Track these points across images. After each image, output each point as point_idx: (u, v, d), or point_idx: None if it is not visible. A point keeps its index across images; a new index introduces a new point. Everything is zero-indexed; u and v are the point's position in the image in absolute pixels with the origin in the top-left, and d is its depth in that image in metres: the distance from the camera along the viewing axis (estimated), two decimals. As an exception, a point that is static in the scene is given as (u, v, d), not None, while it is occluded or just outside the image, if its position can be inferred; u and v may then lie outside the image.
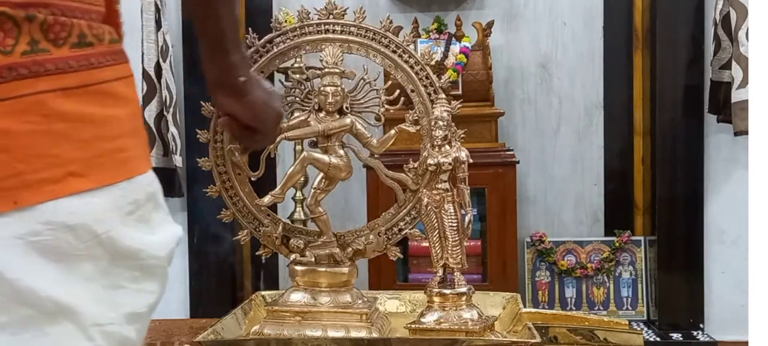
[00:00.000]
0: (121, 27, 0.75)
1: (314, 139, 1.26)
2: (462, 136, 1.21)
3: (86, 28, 0.67)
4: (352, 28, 1.25)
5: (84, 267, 0.65)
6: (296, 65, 2.37)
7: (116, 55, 0.71)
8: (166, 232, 0.74)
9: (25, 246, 0.61)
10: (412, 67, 1.25)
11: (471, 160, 1.20)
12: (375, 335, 1.18)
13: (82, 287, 0.65)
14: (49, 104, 0.63)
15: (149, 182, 0.73)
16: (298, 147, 2.52)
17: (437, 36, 2.85)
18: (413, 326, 1.18)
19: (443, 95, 1.22)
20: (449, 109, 1.20)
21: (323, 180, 1.26)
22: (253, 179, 1.29)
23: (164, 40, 2.92)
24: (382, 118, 1.26)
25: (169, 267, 0.76)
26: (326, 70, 1.24)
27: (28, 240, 0.61)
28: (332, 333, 1.18)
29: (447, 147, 1.19)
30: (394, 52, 1.25)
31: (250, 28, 1.29)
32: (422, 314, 1.19)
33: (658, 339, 2.86)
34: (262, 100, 1.13)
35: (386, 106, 1.25)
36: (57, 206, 0.63)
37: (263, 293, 1.40)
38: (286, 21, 1.28)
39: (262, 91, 1.14)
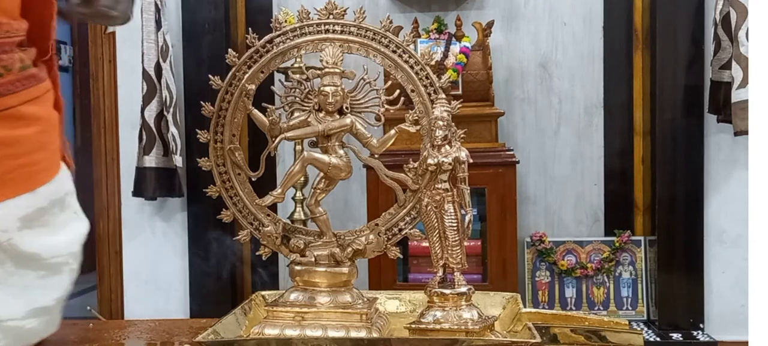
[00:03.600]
0: (51, 44, 0.81)
1: (314, 139, 1.26)
2: (462, 136, 1.21)
3: None
4: (352, 28, 1.25)
5: None
6: (296, 65, 2.38)
7: (27, 80, 0.76)
8: (71, 231, 0.80)
9: None
10: (412, 67, 1.24)
11: (471, 160, 1.19)
12: (375, 335, 1.18)
13: None
14: None
15: (55, 189, 0.79)
16: (298, 147, 2.52)
17: (437, 36, 2.85)
18: (413, 326, 1.18)
19: (443, 95, 1.21)
20: (449, 109, 1.20)
21: (323, 180, 1.26)
22: (253, 179, 1.29)
23: (164, 40, 2.91)
24: (382, 118, 1.26)
25: (78, 261, 0.83)
26: (326, 70, 1.24)
27: None
28: (332, 333, 1.18)
29: (447, 147, 1.19)
30: (394, 52, 1.25)
31: (250, 28, 1.29)
32: (422, 314, 1.19)
33: (658, 339, 2.85)
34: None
35: (386, 106, 1.25)
36: None
37: (263, 293, 1.40)
38: (286, 21, 1.28)
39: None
